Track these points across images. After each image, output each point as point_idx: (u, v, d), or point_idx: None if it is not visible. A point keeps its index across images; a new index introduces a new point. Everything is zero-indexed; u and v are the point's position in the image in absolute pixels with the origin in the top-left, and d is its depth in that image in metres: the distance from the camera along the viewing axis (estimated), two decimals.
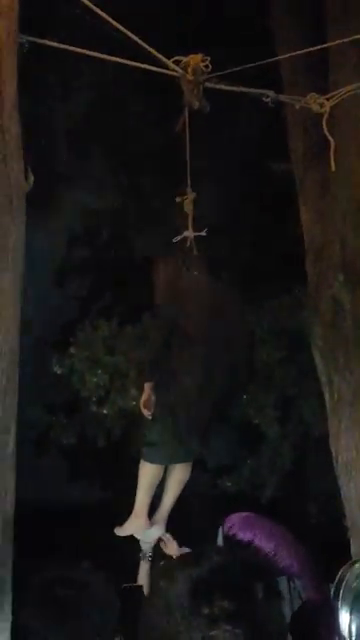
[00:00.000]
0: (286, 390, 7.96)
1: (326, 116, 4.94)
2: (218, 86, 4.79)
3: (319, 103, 4.97)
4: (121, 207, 8.39)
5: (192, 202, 4.58)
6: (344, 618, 2.02)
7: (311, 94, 5.01)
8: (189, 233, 4.58)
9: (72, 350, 8.65)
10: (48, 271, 9.17)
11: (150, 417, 4.76)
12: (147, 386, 4.83)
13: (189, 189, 4.61)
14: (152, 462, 4.84)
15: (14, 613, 3.09)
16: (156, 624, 1.13)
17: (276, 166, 6.28)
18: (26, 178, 3.80)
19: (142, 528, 4.83)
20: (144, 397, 4.82)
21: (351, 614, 2.01)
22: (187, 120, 4.76)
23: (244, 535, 3.94)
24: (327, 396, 5.09)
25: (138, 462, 5.13)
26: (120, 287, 8.71)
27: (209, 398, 4.86)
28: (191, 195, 4.60)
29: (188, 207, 4.60)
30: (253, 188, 7.35)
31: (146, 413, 4.78)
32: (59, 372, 8.72)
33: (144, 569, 4.65)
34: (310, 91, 5.04)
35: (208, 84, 4.74)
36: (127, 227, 8.56)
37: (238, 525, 4.24)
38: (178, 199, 4.65)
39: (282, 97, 5.05)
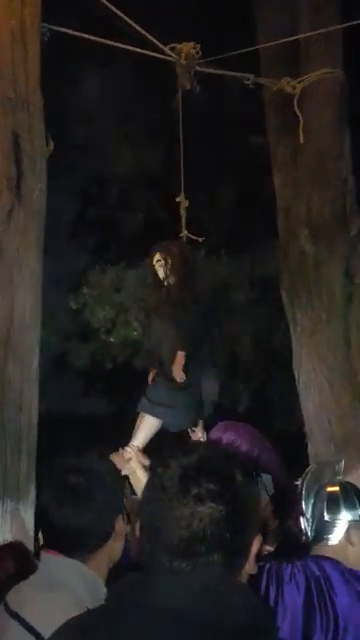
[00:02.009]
0: (258, 323, 7.96)
1: (297, 97, 4.84)
2: (207, 70, 4.66)
3: (292, 86, 4.85)
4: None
5: (185, 208, 4.48)
6: (307, 501, 2.11)
7: (285, 78, 4.89)
8: (183, 234, 4.48)
9: (85, 290, 8.64)
10: (65, 225, 9.07)
11: (182, 381, 4.16)
12: (181, 354, 4.22)
13: (182, 195, 4.51)
14: (156, 417, 4.40)
15: (37, 497, 3.13)
16: (153, 502, 1.13)
17: (254, 138, 6.15)
18: (47, 145, 3.72)
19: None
20: (180, 365, 4.22)
21: (315, 499, 2.10)
22: (180, 100, 4.64)
23: (228, 437, 3.92)
24: (292, 328, 5.06)
25: (139, 381, 4.90)
26: (124, 239, 8.61)
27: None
28: (184, 202, 4.49)
29: (182, 211, 4.50)
30: (236, 157, 7.22)
31: (180, 378, 4.19)
32: (74, 307, 8.72)
33: None
34: (284, 76, 4.93)
35: (198, 68, 4.61)
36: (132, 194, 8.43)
37: (221, 429, 4.23)
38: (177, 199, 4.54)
39: (260, 80, 4.93)
